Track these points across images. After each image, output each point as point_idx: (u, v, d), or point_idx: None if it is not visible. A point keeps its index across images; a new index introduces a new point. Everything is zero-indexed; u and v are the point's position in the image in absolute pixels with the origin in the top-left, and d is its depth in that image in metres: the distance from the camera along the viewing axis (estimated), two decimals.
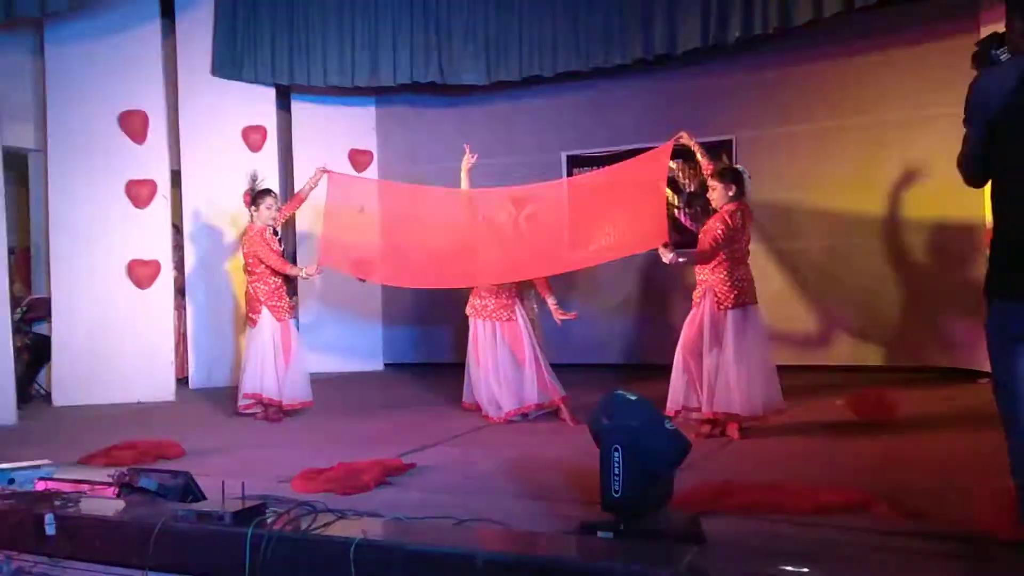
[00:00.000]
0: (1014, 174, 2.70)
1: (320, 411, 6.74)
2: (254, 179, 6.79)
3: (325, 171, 6.75)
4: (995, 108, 2.68)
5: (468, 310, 6.51)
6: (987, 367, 6.72)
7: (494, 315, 6.39)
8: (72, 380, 7.54)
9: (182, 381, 8.23)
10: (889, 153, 7.59)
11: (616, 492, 3.06)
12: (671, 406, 5.48)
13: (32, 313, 7.81)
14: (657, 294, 8.56)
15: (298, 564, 3.13)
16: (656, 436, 3.14)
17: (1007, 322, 2.73)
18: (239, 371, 6.98)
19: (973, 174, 2.86)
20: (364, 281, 7.69)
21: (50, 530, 3.60)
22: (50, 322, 7.66)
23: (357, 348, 9.40)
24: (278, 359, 6.55)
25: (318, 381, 7.13)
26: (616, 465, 3.06)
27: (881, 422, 5.45)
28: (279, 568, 3.14)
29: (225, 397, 7.34)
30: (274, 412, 6.55)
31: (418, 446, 5.32)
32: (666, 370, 5.69)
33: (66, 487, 3.99)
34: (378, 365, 9.51)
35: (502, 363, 6.33)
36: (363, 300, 9.23)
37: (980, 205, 6.77)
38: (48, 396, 7.63)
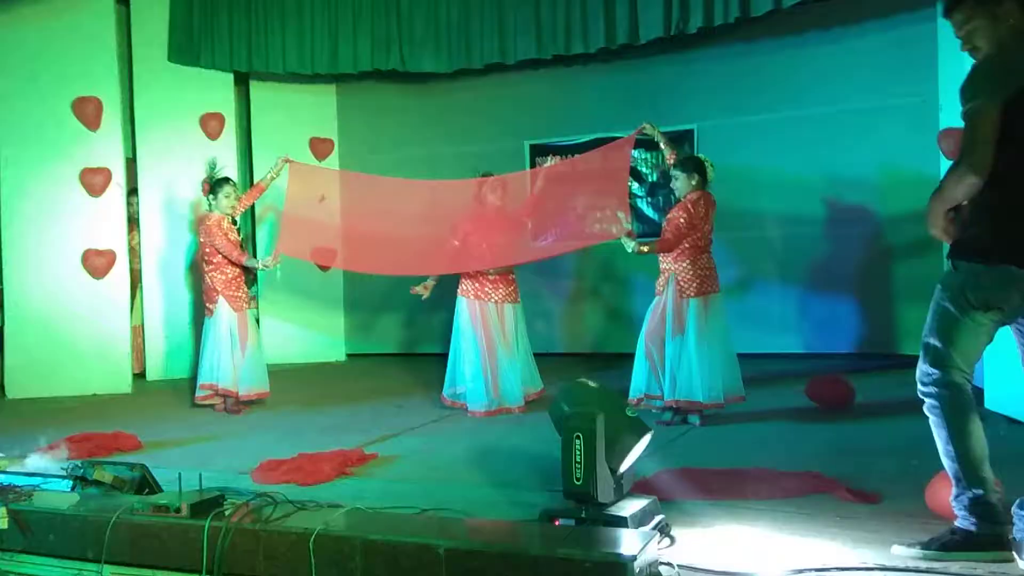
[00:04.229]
0: None
1: (280, 402, 6.67)
2: (212, 167, 6.69)
3: (287, 161, 6.67)
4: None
5: (469, 293, 6.19)
6: None
7: (508, 297, 6.24)
8: (25, 372, 7.40)
9: (138, 374, 8.10)
10: (848, 142, 7.67)
11: (577, 480, 3.06)
12: (633, 394, 5.51)
13: None
14: (619, 283, 8.59)
15: (257, 556, 3.09)
16: (617, 423, 3.14)
17: (972, 285, 2.76)
18: (196, 362, 6.88)
19: (984, 163, 2.71)
20: (326, 269, 7.62)
21: (2, 524, 3.53)
22: (2, 312, 7.49)
23: (318, 338, 9.32)
24: (235, 349, 6.46)
25: (279, 372, 7.06)
26: (577, 453, 3.05)
27: (840, 408, 5.53)
28: (238, 560, 3.10)
29: (183, 389, 7.24)
30: (232, 403, 6.47)
31: (380, 436, 5.29)
32: (628, 359, 5.72)
33: (19, 480, 3.91)
34: (340, 355, 9.44)
35: (519, 347, 6.20)
36: (324, 290, 9.15)
37: None
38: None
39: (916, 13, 7.20)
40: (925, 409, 2.91)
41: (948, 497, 2.92)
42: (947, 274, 2.89)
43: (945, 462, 2.87)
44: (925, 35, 6.98)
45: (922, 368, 2.90)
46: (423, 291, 6.34)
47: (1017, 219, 2.76)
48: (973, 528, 2.79)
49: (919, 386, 2.91)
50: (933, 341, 2.86)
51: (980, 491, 2.78)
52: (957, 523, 2.84)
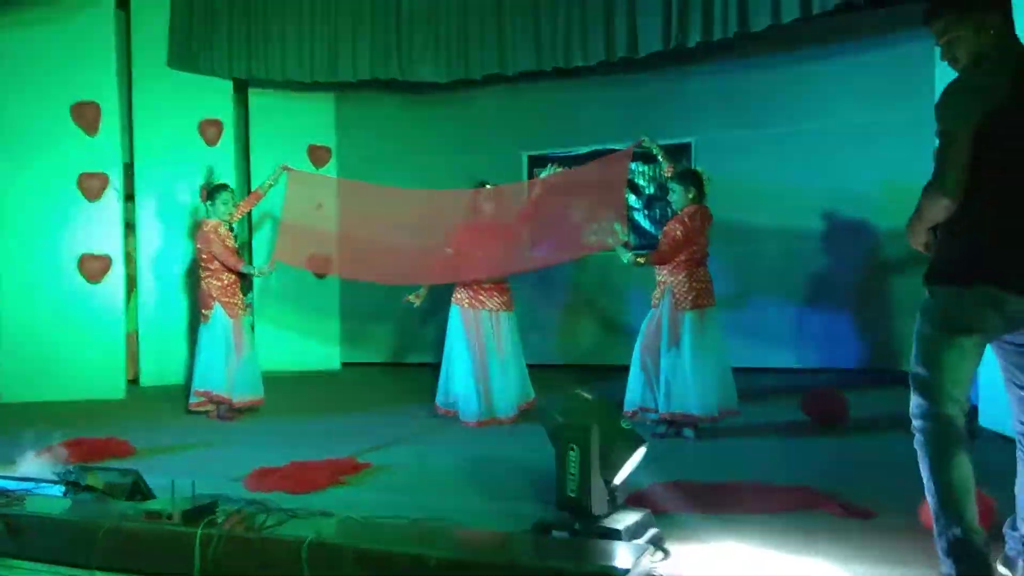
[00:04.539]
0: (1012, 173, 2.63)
1: (274, 410, 6.66)
2: (211, 174, 6.69)
3: (285, 169, 6.68)
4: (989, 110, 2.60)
5: (463, 301, 6.21)
6: None
7: (503, 306, 6.25)
8: (19, 375, 7.36)
9: (131, 380, 8.07)
10: (846, 157, 7.71)
11: (571, 492, 3.06)
12: (628, 406, 5.51)
13: None
14: (615, 295, 8.60)
15: (249, 563, 3.08)
16: (612, 435, 3.14)
17: (952, 309, 2.68)
18: (191, 368, 6.86)
19: (957, 186, 2.65)
20: (322, 277, 7.62)
21: None
22: None
23: (313, 347, 9.29)
24: (230, 356, 6.45)
25: (273, 380, 7.04)
26: (572, 464, 3.05)
27: (834, 423, 5.53)
28: (230, 568, 3.08)
29: (176, 395, 7.22)
30: (226, 410, 6.45)
31: (372, 446, 5.27)
32: (623, 370, 5.72)
33: (11, 484, 3.89)
34: (334, 364, 9.42)
35: (512, 356, 6.20)
36: (320, 299, 9.14)
37: None
38: None
39: (913, 30, 7.23)
40: (915, 443, 2.78)
41: None
42: (925, 301, 2.80)
43: (928, 498, 2.75)
44: (923, 52, 7.03)
45: (913, 400, 2.78)
46: (415, 300, 6.35)
47: (995, 239, 2.67)
48: (953, 573, 2.65)
49: (912, 419, 2.79)
50: (920, 371, 2.75)
51: (958, 531, 2.64)
52: (940, 569, 2.71)
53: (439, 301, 6.54)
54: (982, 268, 2.66)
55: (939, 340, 2.72)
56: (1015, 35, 2.75)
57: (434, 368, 6.59)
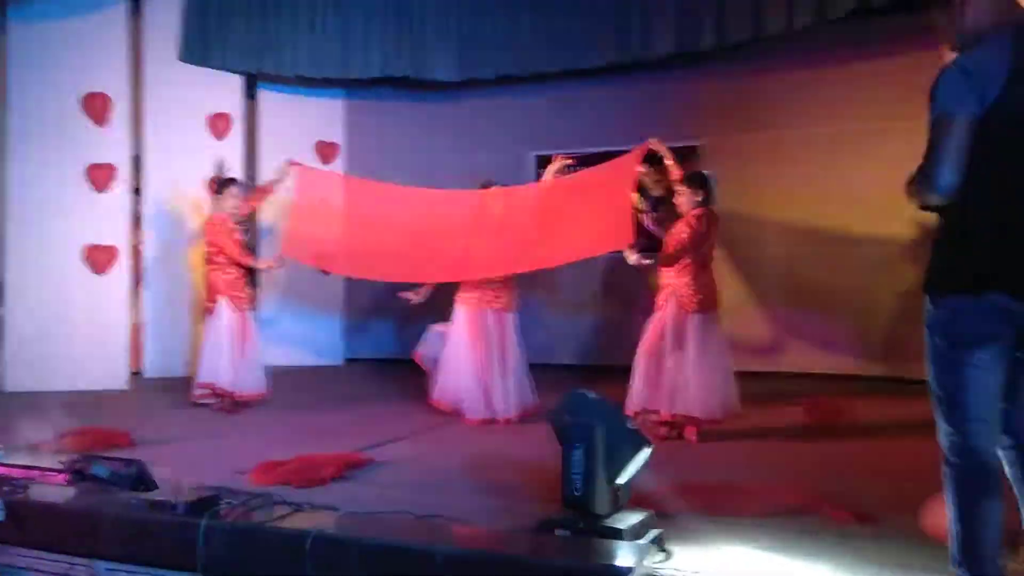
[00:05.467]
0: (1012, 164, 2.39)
1: (278, 404, 6.67)
2: (220, 167, 6.70)
3: (294, 164, 6.70)
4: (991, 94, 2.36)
5: (469, 300, 6.21)
6: None
7: (508, 306, 6.26)
8: (23, 365, 7.38)
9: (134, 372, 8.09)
10: (852, 163, 7.70)
11: (576, 490, 3.07)
12: (631, 407, 5.49)
13: None
14: (618, 296, 8.59)
15: (253, 556, 3.10)
16: (617, 436, 3.15)
17: (960, 321, 2.46)
18: (195, 361, 6.88)
19: (953, 178, 2.41)
20: (328, 274, 7.62)
21: None
22: (2, 304, 7.49)
23: (317, 342, 9.32)
24: (234, 349, 6.47)
25: (276, 374, 7.05)
26: (577, 464, 3.06)
27: (835, 428, 5.53)
28: (233, 560, 3.10)
29: (180, 387, 7.23)
30: (229, 403, 6.47)
31: (377, 441, 5.28)
32: (625, 372, 5.72)
33: (15, 472, 3.90)
34: (338, 360, 9.43)
35: (515, 356, 6.20)
36: (325, 294, 9.14)
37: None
38: None
39: (924, 38, 7.23)
40: (942, 472, 2.57)
41: (944, 520, 2.88)
42: (929, 314, 2.57)
43: (949, 528, 2.57)
44: (932, 59, 7.01)
45: (940, 427, 2.55)
46: (413, 296, 6.37)
47: (1000, 242, 2.43)
48: None
49: (941, 448, 2.57)
50: (940, 392, 2.52)
51: None
52: None
53: (445, 298, 6.54)
54: (988, 274, 2.43)
55: (951, 356, 2.49)
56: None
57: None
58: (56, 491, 3.69)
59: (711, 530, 3.36)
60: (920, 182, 2.50)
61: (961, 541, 2.51)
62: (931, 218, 2.72)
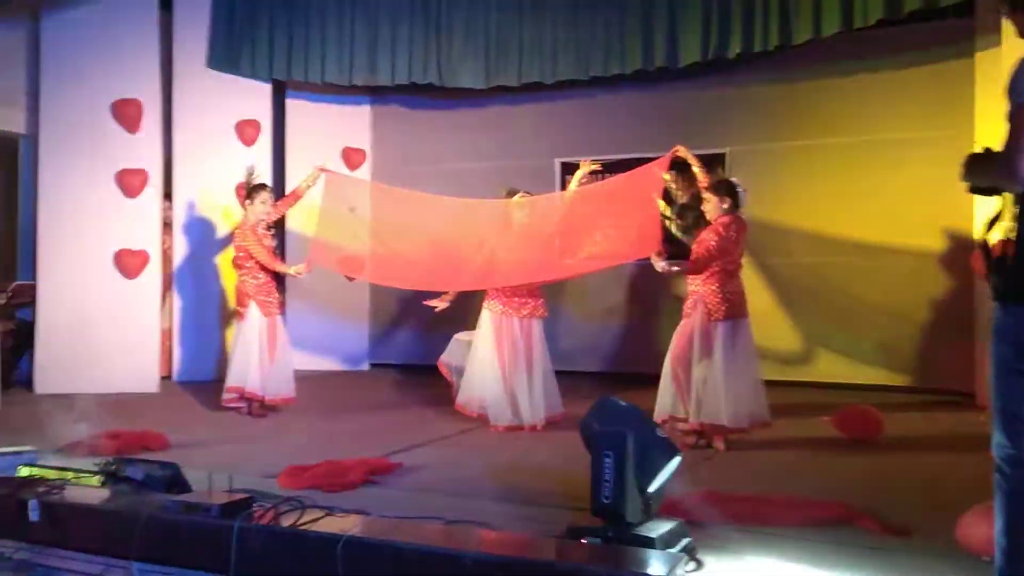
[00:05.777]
0: None
1: (305, 408, 6.72)
2: (250, 173, 6.76)
3: (323, 170, 6.75)
4: None
5: (496, 308, 6.21)
6: (970, 389, 6.70)
7: (535, 312, 6.27)
8: (55, 368, 7.47)
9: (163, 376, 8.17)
10: (879, 173, 7.66)
11: (606, 498, 3.07)
12: (658, 415, 5.48)
13: (16, 299, 7.73)
14: (644, 304, 8.58)
15: (285, 559, 3.12)
16: (649, 443, 3.15)
17: None
18: (224, 365, 6.94)
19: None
20: (353, 280, 7.68)
21: (34, 516, 3.58)
22: (35, 308, 7.60)
23: (343, 347, 9.37)
24: (264, 354, 6.52)
25: (303, 379, 7.09)
26: (608, 471, 3.06)
27: (866, 440, 5.49)
28: (266, 562, 3.13)
29: (209, 391, 7.30)
30: (257, 407, 6.52)
31: (404, 446, 5.31)
32: (650, 379, 5.71)
33: (50, 474, 3.96)
34: (363, 365, 9.48)
35: (542, 364, 6.21)
36: (350, 300, 9.20)
37: (970, 226, 6.87)
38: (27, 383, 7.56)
39: (953, 47, 7.20)
40: (994, 482, 2.53)
41: (979, 534, 2.86)
42: (999, 319, 2.49)
43: (995, 549, 2.55)
44: (962, 69, 6.99)
45: (994, 438, 2.50)
46: (439, 303, 6.44)
47: None
48: None
49: (994, 457, 2.53)
50: (999, 403, 2.47)
51: None
52: None
53: (470, 306, 6.57)
54: None
55: (1018, 366, 2.43)
56: None
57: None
58: (91, 492, 3.74)
59: (742, 540, 3.35)
60: (1000, 171, 2.45)
61: (1008, 553, 2.48)
62: (986, 216, 2.67)
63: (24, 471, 4.03)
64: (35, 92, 7.74)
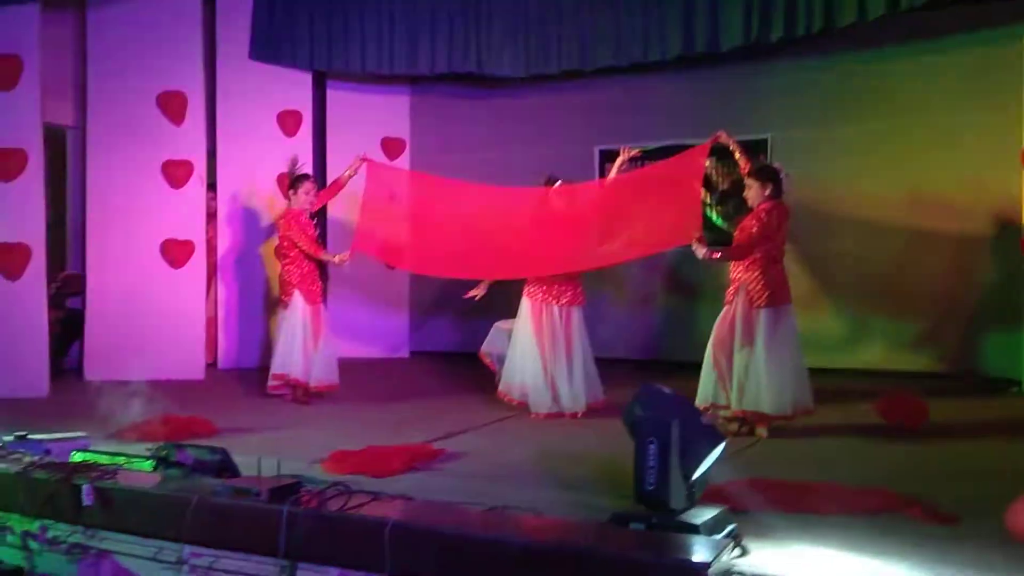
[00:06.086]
0: None
1: (348, 395, 6.79)
2: (294, 163, 6.84)
3: (365, 160, 6.80)
4: None
5: (535, 296, 6.25)
6: (1018, 375, 6.56)
7: (575, 300, 6.28)
8: (104, 355, 7.61)
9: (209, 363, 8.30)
10: (924, 158, 7.53)
11: (651, 485, 3.07)
12: (700, 402, 5.47)
13: (66, 288, 7.90)
14: (684, 291, 8.54)
15: (332, 542, 3.17)
16: (693, 430, 3.15)
17: None
18: (268, 353, 7.04)
19: None
20: (393, 268, 7.74)
21: (87, 500, 3.66)
22: (84, 297, 7.76)
23: (383, 335, 9.45)
24: (308, 341, 6.61)
25: (344, 366, 7.17)
26: (652, 458, 3.06)
27: (911, 428, 5.42)
28: (313, 546, 3.18)
29: (254, 378, 7.41)
30: (302, 394, 6.61)
31: (447, 433, 5.35)
32: (690, 367, 5.70)
33: (103, 459, 4.05)
34: (404, 353, 9.55)
35: (581, 351, 6.22)
36: (391, 288, 9.27)
37: (1018, 211, 6.74)
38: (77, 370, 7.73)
39: (999, 29, 7.04)
40: None
41: None
42: None
43: None
44: (1009, 51, 6.84)
45: None
46: (476, 291, 6.54)
47: None
48: None
49: None
50: None
51: None
52: None
53: (507, 293, 6.59)
54: None
55: None
56: None
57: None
58: (143, 476, 3.82)
59: (786, 527, 3.33)
60: None
61: None
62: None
63: (77, 456, 4.13)
64: (82, 85, 7.89)
